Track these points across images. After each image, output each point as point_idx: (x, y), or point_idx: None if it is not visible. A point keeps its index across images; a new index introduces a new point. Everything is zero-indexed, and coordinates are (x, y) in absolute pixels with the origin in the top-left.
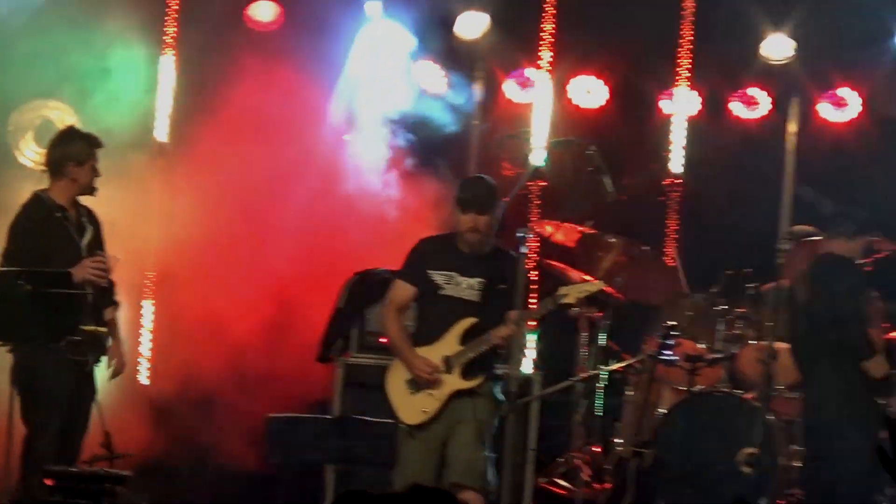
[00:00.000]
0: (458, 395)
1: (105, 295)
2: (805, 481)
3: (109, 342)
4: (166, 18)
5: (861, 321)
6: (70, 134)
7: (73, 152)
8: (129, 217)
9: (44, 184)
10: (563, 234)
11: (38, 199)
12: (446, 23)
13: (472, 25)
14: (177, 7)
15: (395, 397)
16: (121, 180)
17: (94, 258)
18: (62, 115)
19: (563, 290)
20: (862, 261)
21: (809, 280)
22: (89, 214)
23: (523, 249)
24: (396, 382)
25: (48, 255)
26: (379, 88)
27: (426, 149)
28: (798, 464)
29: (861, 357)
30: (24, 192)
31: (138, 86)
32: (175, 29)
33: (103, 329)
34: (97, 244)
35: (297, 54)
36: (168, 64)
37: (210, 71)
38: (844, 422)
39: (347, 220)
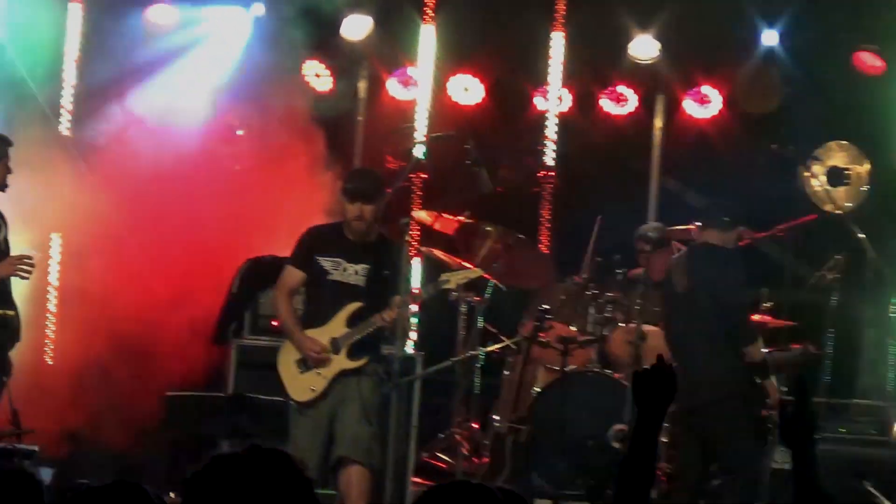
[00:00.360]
0: (345, 374)
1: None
2: (686, 457)
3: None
4: None
5: (743, 309)
6: None
7: None
8: (34, 203)
9: None
10: (443, 223)
11: None
12: (332, 24)
13: (357, 27)
14: None
15: (285, 376)
16: (23, 170)
17: (23, 257)
18: None
19: (444, 276)
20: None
21: (688, 269)
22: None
23: (406, 237)
24: (287, 362)
25: None
26: (271, 86)
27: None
28: (665, 440)
29: (743, 343)
30: None
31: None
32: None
33: (11, 313)
34: (5, 240)
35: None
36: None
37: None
38: (728, 401)
39: (240, 210)
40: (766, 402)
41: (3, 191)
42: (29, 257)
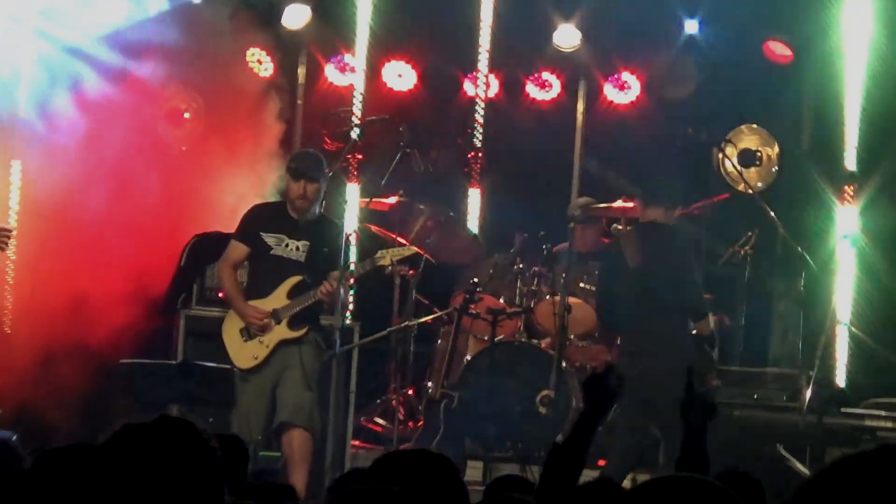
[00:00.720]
0: (286, 343)
1: None
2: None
3: None
4: None
5: (695, 285)
6: None
7: None
8: None
9: None
10: (381, 203)
11: None
12: (273, 14)
13: (296, 16)
14: None
15: (229, 345)
16: None
17: (3, 229)
18: None
19: (380, 252)
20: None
21: (638, 246)
22: None
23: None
24: (231, 332)
25: None
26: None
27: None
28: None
29: (695, 318)
30: None
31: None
32: None
33: None
34: None
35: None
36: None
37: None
38: (678, 371)
39: (187, 189)
40: (713, 371)
41: None
42: (7, 229)
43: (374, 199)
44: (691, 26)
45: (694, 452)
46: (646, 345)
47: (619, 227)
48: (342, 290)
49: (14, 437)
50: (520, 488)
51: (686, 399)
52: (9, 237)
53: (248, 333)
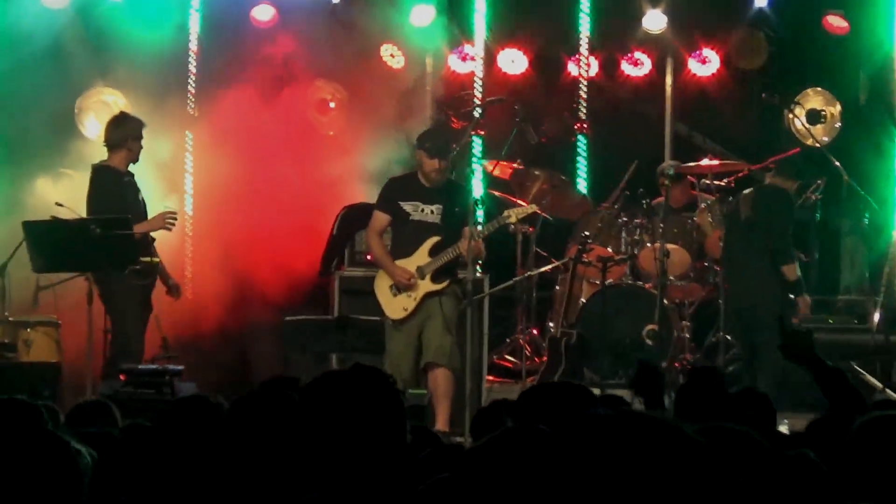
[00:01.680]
0: (430, 295)
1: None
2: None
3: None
4: None
5: (785, 238)
6: (125, 116)
7: (131, 130)
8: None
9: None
10: (500, 170)
11: (107, 168)
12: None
13: (424, 15)
14: None
15: (382, 299)
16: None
17: (168, 213)
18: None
19: (506, 212)
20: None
21: (754, 203)
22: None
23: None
24: (382, 288)
25: (123, 209)
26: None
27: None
28: (687, 335)
29: (782, 263)
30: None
31: None
32: None
33: (157, 259)
34: (143, 202)
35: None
36: None
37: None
38: (766, 305)
39: (335, 168)
40: (797, 313)
41: (135, 162)
42: (173, 213)
43: (496, 165)
44: (760, 1)
45: (838, 392)
46: (744, 283)
47: (707, 181)
48: (475, 247)
49: (194, 387)
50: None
51: (784, 342)
52: (175, 219)
53: (397, 289)
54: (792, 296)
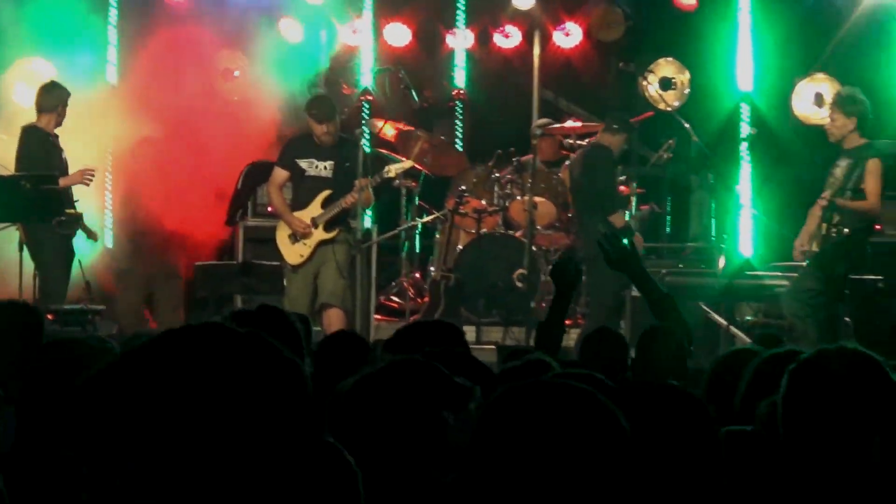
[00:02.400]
0: (323, 243)
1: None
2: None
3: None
4: None
5: (608, 190)
6: (56, 84)
7: (60, 97)
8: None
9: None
10: (387, 131)
11: (37, 129)
12: None
13: None
14: None
15: (281, 247)
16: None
17: (87, 170)
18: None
19: (387, 167)
20: (617, 148)
21: (580, 162)
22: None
23: (362, 140)
24: (282, 237)
25: (50, 166)
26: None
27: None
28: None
29: (609, 214)
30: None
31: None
32: None
33: (80, 212)
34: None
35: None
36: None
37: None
38: (595, 254)
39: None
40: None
41: (59, 125)
42: (92, 170)
43: (382, 126)
44: None
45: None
46: (583, 235)
47: (571, 140)
48: (363, 199)
49: (116, 326)
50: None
51: (612, 255)
52: (93, 175)
53: (295, 238)
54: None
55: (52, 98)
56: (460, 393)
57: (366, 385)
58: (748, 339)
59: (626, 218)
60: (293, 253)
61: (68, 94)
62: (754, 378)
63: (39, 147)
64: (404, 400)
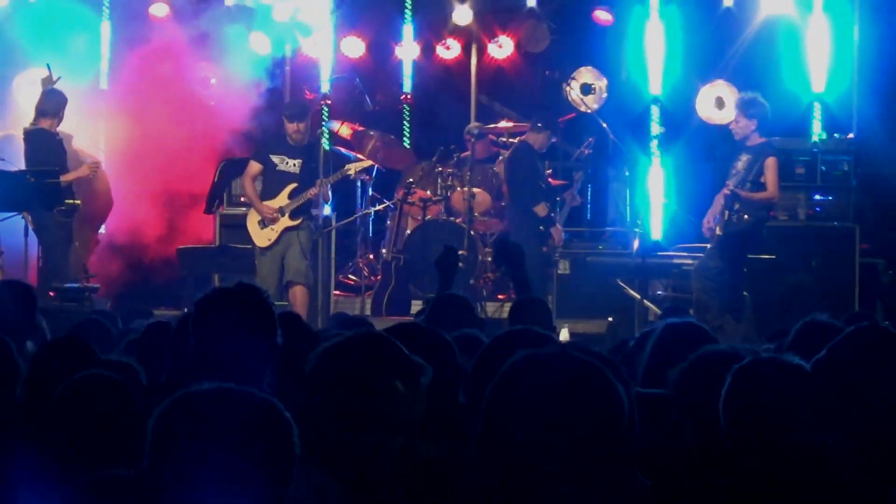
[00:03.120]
0: (289, 229)
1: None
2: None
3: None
4: None
5: (531, 181)
6: (57, 90)
7: (61, 102)
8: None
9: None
10: (344, 131)
11: (43, 131)
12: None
13: (283, 10)
14: None
15: (252, 232)
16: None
17: (94, 163)
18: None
19: (347, 166)
20: (542, 145)
21: (508, 157)
22: None
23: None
24: (253, 223)
25: (56, 163)
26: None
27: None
28: (489, 259)
29: (532, 205)
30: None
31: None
32: None
33: (78, 202)
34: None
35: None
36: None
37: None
38: (525, 239)
39: (216, 130)
40: (548, 241)
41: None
42: (97, 162)
43: (339, 127)
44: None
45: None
46: (512, 224)
47: (504, 139)
48: (325, 192)
49: (108, 303)
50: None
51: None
52: (98, 167)
53: (264, 224)
54: (542, 227)
55: (56, 103)
56: (413, 368)
57: (330, 354)
58: (658, 311)
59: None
60: (262, 237)
61: (66, 100)
62: (658, 348)
63: (49, 146)
64: (361, 369)
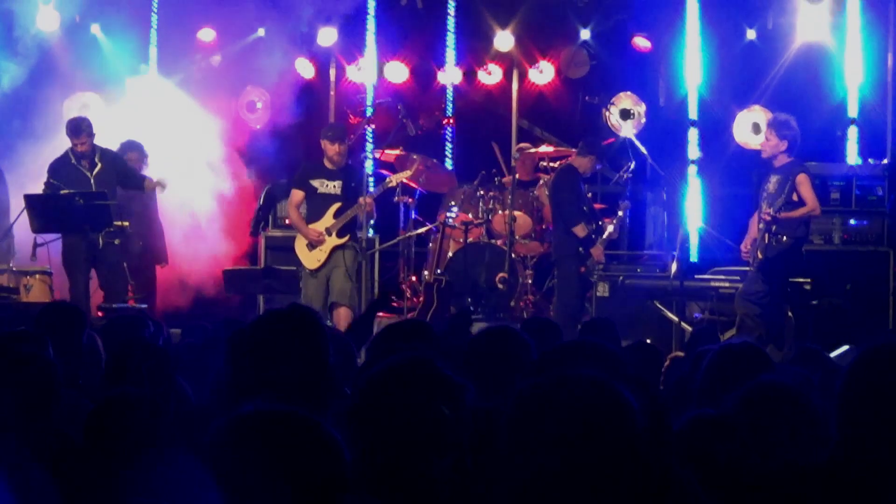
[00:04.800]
0: (336, 249)
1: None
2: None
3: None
4: None
5: (572, 202)
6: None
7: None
8: None
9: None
10: (387, 155)
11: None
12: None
13: (327, 36)
14: None
15: (300, 255)
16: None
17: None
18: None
19: (388, 178)
20: (587, 169)
21: (552, 179)
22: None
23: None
24: (301, 246)
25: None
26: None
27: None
28: (530, 281)
29: (571, 226)
30: None
31: None
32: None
33: (126, 223)
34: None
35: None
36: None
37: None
38: (561, 258)
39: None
40: (588, 262)
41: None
42: (163, 182)
43: (384, 151)
44: (586, 33)
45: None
46: (554, 242)
47: (545, 163)
48: (368, 212)
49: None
50: None
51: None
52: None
53: (311, 246)
54: (582, 249)
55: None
56: (456, 389)
57: (374, 381)
58: None
59: (611, 227)
60: (311, 259)
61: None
62: (714, 369)
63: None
64: (408, 396)
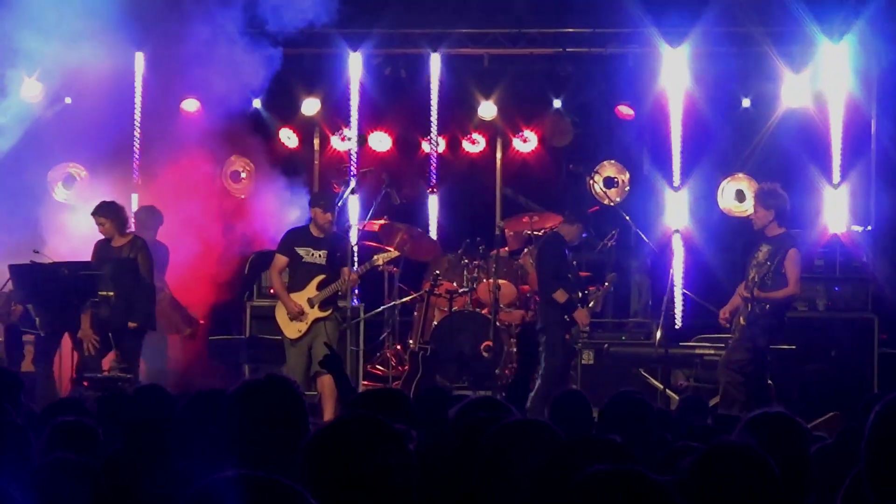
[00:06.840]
0: (318, 320)
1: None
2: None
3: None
4: None
5: (554, 269)
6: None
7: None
8: None
9: None
10: (371, 225)
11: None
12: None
13: (311, 106)
14: None
15: (281, 323)
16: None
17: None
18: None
19: (375, 257)
20: (574, 237)
21: (536, 247)
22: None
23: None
24: (282, 315)
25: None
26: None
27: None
28: (514, 349)
29: (551, 292)
30: None
31: None
32: None
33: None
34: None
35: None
36: None
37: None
38: (547, 326)
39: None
40: (571, 328)
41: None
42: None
43: (367, 222)
44: (557, 102)
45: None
46: (537, 309)
47: (529, 232)
48: (352, 283)
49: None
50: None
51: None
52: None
53: (293, 316)
54: (566, 316)
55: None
56: (400, 437)
57: (320, 439)
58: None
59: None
60: (292, 329)
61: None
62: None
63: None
64: (352, 450)
